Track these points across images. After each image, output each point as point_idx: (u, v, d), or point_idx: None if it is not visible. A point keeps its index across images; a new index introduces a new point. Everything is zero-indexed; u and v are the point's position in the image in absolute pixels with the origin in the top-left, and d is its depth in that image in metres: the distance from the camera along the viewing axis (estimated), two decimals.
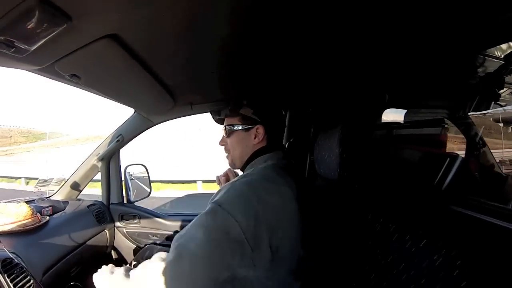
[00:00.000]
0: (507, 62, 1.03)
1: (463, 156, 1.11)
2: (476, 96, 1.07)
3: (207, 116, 1.70)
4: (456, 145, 1.15)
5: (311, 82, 1.48)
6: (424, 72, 1.19)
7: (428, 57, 1.07)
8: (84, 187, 2.04)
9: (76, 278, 1.51)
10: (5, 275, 1.05)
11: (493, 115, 1.13)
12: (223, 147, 1.17)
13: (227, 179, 1.31)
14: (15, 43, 0.65)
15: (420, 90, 1.28)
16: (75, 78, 0.98)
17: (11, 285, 1.05)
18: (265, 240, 0.80)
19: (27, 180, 13.61)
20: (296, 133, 1.84)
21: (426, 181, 1.04)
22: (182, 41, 0.87)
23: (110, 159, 1.98)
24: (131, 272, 0.93)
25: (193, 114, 1.81)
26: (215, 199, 0.86)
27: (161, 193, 9.31)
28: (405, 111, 1.35)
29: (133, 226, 2.00)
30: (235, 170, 1.25)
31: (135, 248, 2.00)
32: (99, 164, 1.94)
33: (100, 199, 2.03)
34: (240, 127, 1.09)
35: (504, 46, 1.03)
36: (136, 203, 2.08)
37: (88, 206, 1.87)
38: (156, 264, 0.83)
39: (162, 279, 0.78)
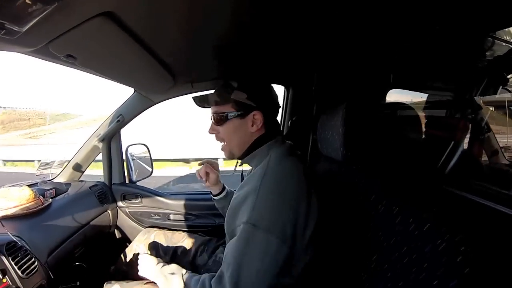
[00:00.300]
0: None
1: (468, 140, 1.09)
2: (483, 80, 1.03)
3: None
4: (460, 129, 1.13)
5: (313, 59, 1.43)
6: (431, 53, 1.15)
7: (435, 38, 1.04)
8: (86, 168, 2.03)
9: (80, 259, 1.54)
10: (10, 258, 1.06)
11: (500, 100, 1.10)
12: (214, 135, 1.10)
13: (208, 175, 1.29)
14: (5, 25, 0.61)
15: (426, 71, 1.25)
16: (71, 58, 0.95)
17: (16, 268, 1.06)
18: (301, 241, 0.87)
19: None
20: (298, 111, 1.81)
21: (430, 164, 1.03)
22: (181, 18, 0.83)
23: (111, 139, 1.96)
24: None
25: (194, 93, 1.76)
26: (246, 218, 0.86)
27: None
28: (409, 92, 1.32)
29: (135, 205, 2.01)
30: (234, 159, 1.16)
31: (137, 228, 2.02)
32: (100, 145, 1.93)
33: (102, 180, 2.03)
34: (233, 114, 1.01)
35: None
36: (138, 183, 2.08)
37: (91, 187, 1.88)
38: None
39: None
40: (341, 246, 0.93)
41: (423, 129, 1.23)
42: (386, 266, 0.70)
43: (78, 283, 1.43)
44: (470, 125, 1.07)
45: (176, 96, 1.85)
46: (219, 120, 1.04)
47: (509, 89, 1.05)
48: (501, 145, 1.10)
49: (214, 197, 1.36)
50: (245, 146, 1.05)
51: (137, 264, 1.13)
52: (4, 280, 1.01)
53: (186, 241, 1.51)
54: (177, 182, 8.04)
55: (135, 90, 1.79)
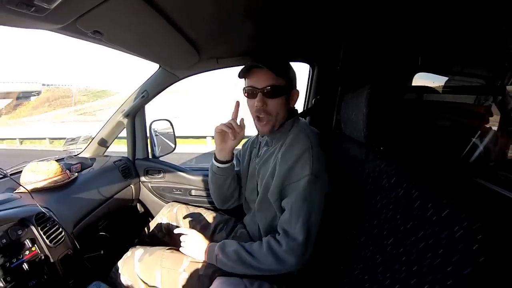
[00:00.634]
0: None
1: (495, 129, 1.01)
2: None
3: None
4: (488, 118, 1.05)
5: (339, 36, 1.42)
6: (462, 36, 1.08)
7: (467, 21, 0.99)
8: (111, 143, 2.07)
9: (104, 231, 1.61)
10: (39, 228, 1.12)
11: None
12: (256, 108, 1.07)
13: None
14: (35, 2, 0.61)
15: (456, 55, 1.17)
16: (98, 34, 0.94)
17: (44, 237, 1.12)
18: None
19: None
20: (322, 91, 1.75)
21: (454, 151, 0.99)
22: None
23: (135, 115, 1.98)
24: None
25: (219, 69, 1.75)
26: (308, 171, 1.00)
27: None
28: (437, 76, 1.25)
29: (157, 180, 2.04)
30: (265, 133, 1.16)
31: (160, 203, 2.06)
32: (125, 121, 1.95)
33: (126, 155, 2.07)
34: (286, 89, 1.10)
35: None
36: (160, 158, 2.11)
37: (115, 162, 1.93)
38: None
39: None
40: (356, 226, 0.92)
41: (448, 115, 1.18)
42: (402, 249, 0.68)
43: (102, 252, 1.50)
44: (499, 115, 1.00)
45: (201, 72, 1.82)
46: (274, 93, 1.07)
47: None
48: None
49: (223, 164, 1.27)
50: (284, 121, 1.14)
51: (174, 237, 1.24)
52: (34, 249, 1.07)
53: (206, 217, 1.53)
54: (201, 159, 8.05)
55: (160, 66, 1.77)
